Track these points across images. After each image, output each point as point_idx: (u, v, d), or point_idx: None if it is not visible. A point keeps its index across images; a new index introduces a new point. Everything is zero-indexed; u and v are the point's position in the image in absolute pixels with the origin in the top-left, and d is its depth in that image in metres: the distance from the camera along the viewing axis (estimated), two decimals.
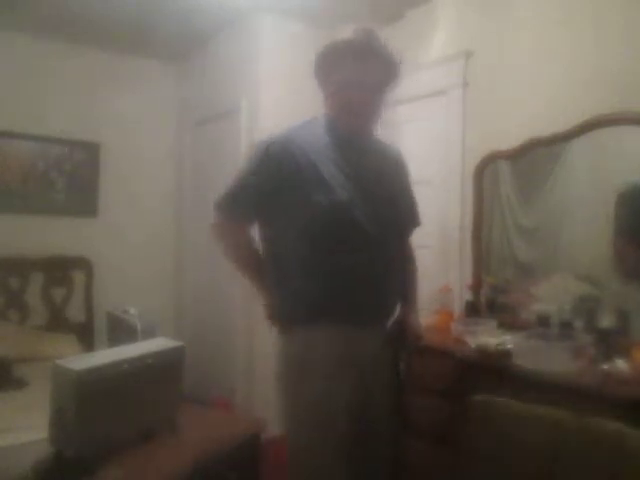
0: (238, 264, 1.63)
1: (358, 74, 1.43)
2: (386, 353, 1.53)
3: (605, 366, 1.73)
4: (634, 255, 2.10)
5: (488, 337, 2.09)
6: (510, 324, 2.27)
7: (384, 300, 1.51)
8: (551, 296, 2.27)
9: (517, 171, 2.48)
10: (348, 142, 1.48)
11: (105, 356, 1.51)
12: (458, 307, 2.59)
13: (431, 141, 2.87)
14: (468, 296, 2.56)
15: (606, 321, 1.96)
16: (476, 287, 2.56)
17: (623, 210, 2.12)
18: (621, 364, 1.72)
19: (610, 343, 1.86)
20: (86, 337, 3.40)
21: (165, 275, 3.99)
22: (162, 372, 1.61)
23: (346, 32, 1.48)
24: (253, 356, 3.14)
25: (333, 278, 1.41)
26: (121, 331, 3.10)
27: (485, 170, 2.57)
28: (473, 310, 2.50)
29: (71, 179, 3.61)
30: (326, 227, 1.39)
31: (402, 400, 1.60)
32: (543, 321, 2.15)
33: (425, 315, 2.62)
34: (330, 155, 1.44)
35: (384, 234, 1.46)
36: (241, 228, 1.55)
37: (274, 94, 3.14)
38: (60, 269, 3.49)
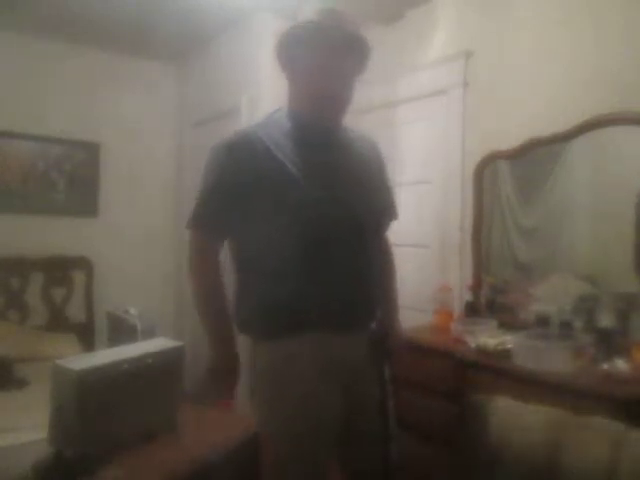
0: (202, 292, 1.49)
1: (329, 61, 1.32)
2: (369, 358, 1.45)
3: (605, 366, 1.73)
4: None
5: (488, 337, 2.09)
6: (510, 324, 2.27)
7: (365, 302, 1.40)
8: (551, 296, 2.27)
9: (517, 171, 2.48)
10: (316, 135, 1.38)
11: (105, 356, 1.51)
12: (458, 307, 2.59)
13: (431, 141, 2.87)
14: (468, 296, 2.56)
15: (606, 321, 1.96)
16: (476, 287, 2.56)
17: None
18: (621, 364, 1.72)
19: (610, 343, 1.86)
20: (86, 337, 3.40)
21: (165, 275, 3.99)
22: (162, 372, 1.61)
23: (307, 13, 1.34)
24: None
25: (309, 283, 1.31)
26: (121, 331, 3.10)
27: (485, 170, 2.57)
28: (473, 310, 2.50)
29: (71, 179, 3.61)
30: (298, 228, 1.29)
31: (388, 402, 1.52)
32: (543, 321, 2.15)
33: (425, 315, 2.64)
34: (297, 151, 1.33)
35: (360, 231, 1.36)
36: (212, 247, 1.43)
37: (274, 94, 3.13)
38: (60, 269, 3.49)
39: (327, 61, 1.33)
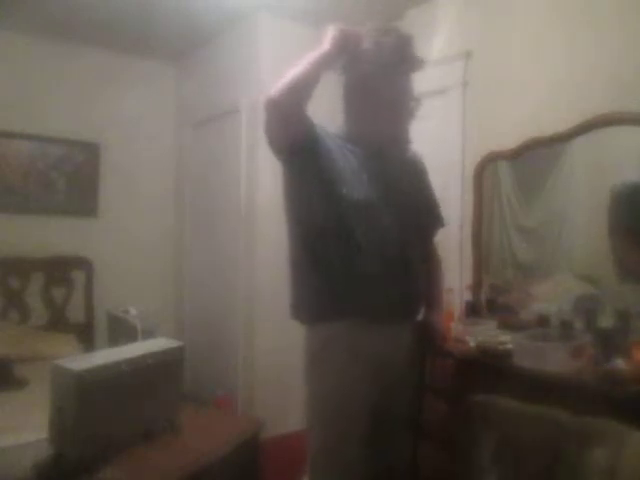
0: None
1: (397, 94, 1.39)
2: (411, 354, 1.52)
3: (605, 366, 1.73)
4: (633, 256, 2.10)
5: (488, 337, 2.09)
6: (510, 324, 2.26)
7: (404, 297, 1.48)
8: (551, 296, 2.27)
9: (517, 171, 2.48)
10: (366, 152, 1.47)
11: (105, 356, 1.52)
12: (458, 307, 2.58)
13: (431, 141, 2.87)
14: (468, 296, 2.56)
15: (606, 321, 1.96)
16: (476, 287, 2.56)
17: (620, 210, 2.11)
18: (621, 364, 1.72)
19: (610, 343, 1.86)
20: (86, 337, 3.40)
21: (165, 275, 3.99)
22: (162, 372, 1.61)
23: (368, 31, 1.39)
24: (253, 356, 3.14)
25: (352, 276, 1.40)
26: (121, 331, 3.10)
27: (485, 170, 2.57)
28: (473, 310, 2.50)
29: (71, 179, 3.60)
30: (347, 225, 1.38)
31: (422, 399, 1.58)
32: (543, 321, 2.15)
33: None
34: (350, 154, 1.43)
35: (404, 234, 1.46)
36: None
37: None
38: (60, 269, 3.49)
39: (397, 95, 1.39)
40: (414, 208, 1.52)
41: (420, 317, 1.60)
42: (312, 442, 1.44)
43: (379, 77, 1.37)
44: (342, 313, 1.40)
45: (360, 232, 1.39)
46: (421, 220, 1.56)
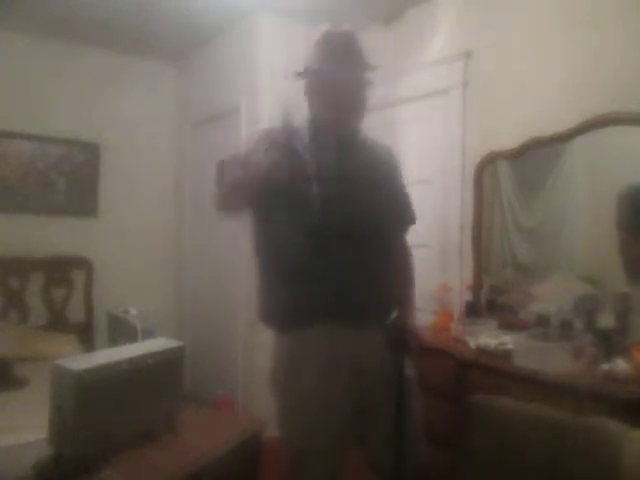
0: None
1: (339, 74, 1.45)
2: (386, 356, 1.49)
3: (605, 366, 1.73)
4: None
5: (488, 337, 2.09)
6: (510, 324, 2.27)
7: (374, 299, 1.47)
8: (551, 296, 2.27)
9: (517, 171, 2.48)
10: (328, 140, 1.47)
11: (105, 356, 1.51)
12: (458, 307, 2.59)
13: (431, 141, 2.87)
14: (468, 296, 2.56)
15: (606, 321, 1.96)
16: (476, 287, 2.56)
17: (628, 211, 2.09)
18: (621, 364, 1.72)
19: (610, 343, 1.86)
20: (86, 337, 3.40)
21: (165, 275, 3.99)
22: (162, 372, 1.61)
23: (322, 30, 1.53)
24: (253, 356, 3.13)
25: (317, 279, 1.40)
26: (121, 331, 3.10)
27: (485, 170, 2.57)
28: (473, 310, 2.50)
29: (71, 179, 3.61)
30: (307, 226, 1.39)
31: (409, 401, 1.51)
32: (543, 321, 2.15)
33: (425, 315, 2.64)
34: (311, 153, 1.40)
35: (365, 233, 1.44)
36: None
37: (274, 94, 3.14)
38: (60, 269, 3.49)
39: (335, 78, 1.46)
40: (375, 204, 1.48)
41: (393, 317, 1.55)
42: (287, 448, 1.43)
43: (324, 76, 1.47)
44: (311, 319, 1.41)
45: (316, 235, 1.38)
46: (384, 217, 1.51)
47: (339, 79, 1.45)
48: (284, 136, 1.25)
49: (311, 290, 1.40)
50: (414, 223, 1.67)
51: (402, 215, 1.63)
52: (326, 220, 1.38)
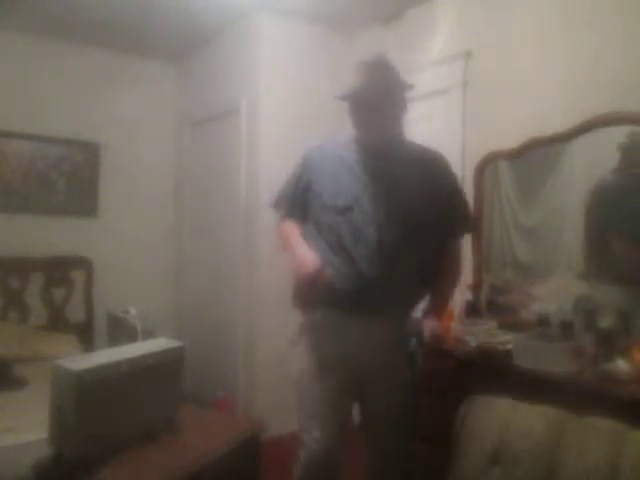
0: (282, 235, 1.77)
1: (360, 92, 1.60)
2: (393, 347, 1.62)
3: (605, 366, 1.73)
4: (611, 254, 2.14)
5: (488, 337, 2.09)
6: (510, 324, 2.27)
7: (388, 293, 1.58)
8: (551, 296, 2.27)
9: (517, 171, 2.48)
10: (367, 152, 1.67)
11: (105, 356, 1.51)
12: (458, 307, 2.58)
13: (431, 141, 2.86)
14: (468, 296, 2.56)
15: (606, 321, 1.96)
16: (476, 287, 2.56)
17: (597, 208, 2.18)
18: (621, 364, 1.72)
19: (610, 343, 1.86)
20: (86, 337, 3.40)
21: (165, 275, 3.99)
22: (162, 372, 1.61)
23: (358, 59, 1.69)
24: (253, 356, 3.14)
25: (337, 269, 1.58)
26: (121, 331, 3.10)
27: (485, 170, 2.57)
28: (473, 310, 2.50)
29: (71, 179, 3.61)
30: (333, 224, 1.61)
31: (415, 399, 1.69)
32: (543, 321, 2.15)
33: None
34: (349, 163, 1.65)
35: (392, 235, 1.58)
36: (285, 219, 1.77)
37: (274, 94, 3.14)
38: (60, 269, 3.49)
39: (361, 94, 1.62)
40: (413, 210, 1.60)
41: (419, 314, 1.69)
42: (295, 388, 1.72)
43: (360, 100, 1.62)
44: (322, 303, 1.62)
45: (339, 232, 1.60)
46: (420, 220, 1.61)
47: (367, 102, 1.60)
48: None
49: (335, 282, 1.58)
50: (467, 230, 1.83)
51: (454, 219, 1.73)
52: (349, 219, 1.59)
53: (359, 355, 1.61)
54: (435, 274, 1.68)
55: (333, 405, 1.65)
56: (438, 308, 1.71)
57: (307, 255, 1.59)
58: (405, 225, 1.59)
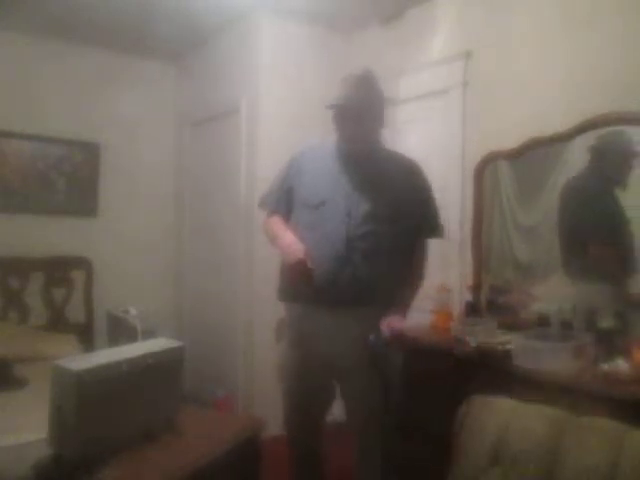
0: (267, 229, 1.94)
1: (343, 103, 1.73)
2: (357, 337, 1.72)
3: (605, 366, 1.73)
4: (581, 255, 2.21)
5: (488, 337, 2.09)
6: (510, 324, 2.27)
7: (348, 287, 1.73)
8: (551, 296, 2.27)
9: (517, 171, 2.48)
10: (346, 158, 1.82)
11: (105, 356, 1.51)
12: (458, 307, 2.59)
13: (431, 141, 2.87)
14: (468, 296, 2.56)
15: (606, 321, 1.96)
16: (476, 287, 2.56)
17: (566, 210, 2.25)
18: (621, 364, 1.72)
19: (610, 343, 1.86)
20: (86, 337, 3.40)
21: (165, 275, 3.99)
22: (162, 372, 1.61)
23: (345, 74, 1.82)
24: (253, 356, 3.14)
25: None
26: (121, 331, 3.10)
27: (485, 170, 2.57)
28: (473, 310, 2.50)
29: (71, 179, 3.61)
30: (306, 222, 1.79)
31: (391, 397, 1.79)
32: (543, 321, 2.15)
33: (425, 315, 2.64)
34: (328, 167, 1.83)
35: (360, 232, 1.73)
36: (271, 217, 1.94)
37: (274, 94, 3.14)
38: (60, 269, 3.49)
39: (338, 105, 1.77)
40: (384, 207, 1.75)
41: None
42: (284, 380, 1.96)
43: (342, 110, 1.76)
44: (296, 297, 1.82)
45: (313, 227, 1.77)
46: (394, 219, 1.76)
47: (349, 113, 1.74)
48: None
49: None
50: (435, 234, 1.93)
51: (420, 223, 1.86)
52: (319, 217, 1.77)
53: (329, 348, 1.77)
54: (403, 274, 1.82)
55: (312, 397, 1.89)
56: (399, 306, 1.80)
57: (293, 243, 1.73)
58: (374, 223, 1.74)
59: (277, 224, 1.87)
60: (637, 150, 2.04)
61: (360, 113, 1.74)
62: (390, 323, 1.72)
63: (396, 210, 1.77)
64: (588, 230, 2.22)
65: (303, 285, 1.75)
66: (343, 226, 1.73)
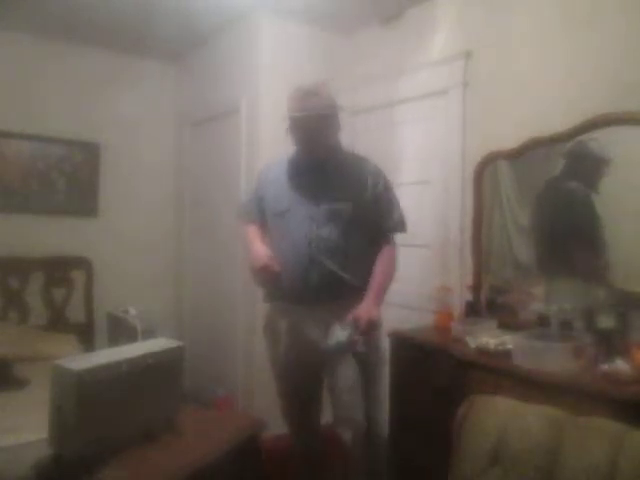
0: (246, 236, 2.10)
1: (295, 116, 1.88)
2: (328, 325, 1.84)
3: (605, 366, 1.73)
4: (555, 254, 2.26)
5: (488, 337, 2.09)
6: (510, 324, 2.27)
7: (320, 285, 1.88)
8: (551, 296, 2.27)
9: (517, 171, 2.48)
10: (304, 165, 1.99)
11: (105, 356, 1.51)
12: (458, 307, 2.59)
13: (431, 141, 2.87)
14: (468, 296, 2.56)
15: (606, 321, 1.96)
16: (476, 287, 2.56)
17: (542, 210, 2.31)
18: (621, 364, 1.72)
19: (610, 343, 1.86)
20: (86, 337, 3.40)
21: (165, 275, 3.99)
22: (162, 372, 1.61)
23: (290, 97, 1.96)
24: (253, 356, 3.13)
25: (281, 267, 1.91)
26: (121, 331, 3.11)
27: (485, 170, 2.57)
28: (473, 310, 2.50)
29: (71, 179, 3.61)
30: (275, 228, 2.01)
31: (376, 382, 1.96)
32: (543, 321, 2.15)
33: (425, 315, 2.64)
34: (290, 175, 2.01)
35: (322, 233, 1.89)
36: (247, 226, 2.13)
37: (274, 94, 3.13)
38: (60, 269, 3.49)
39: (296, 116, 1.90)
40: (343, 208, 1.90)
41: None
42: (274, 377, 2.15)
43: (294, 122, 1.91)
44: (274, 296, 2.01)
45: (280, 232, 1.97)
46: (354, 218, 1.90)
47: (301, 125, 1.89)
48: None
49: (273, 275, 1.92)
50: (396, 230, 2.02)
51: (380, 220, 1.97)
52: (285, 223, 1.96)
53: (309, 345, 1.90)
54: (370, 267, 1.93)
55: (302, 393, 2.05)
56: (370, 296, 1.90)
57: (259, 250, 1.94)
58: (336, 223, 1.89)
59: (251, 233, 2.06)
60: (608, 157, 2.07)
61: (311, 123, 1.87)
62: (357, 313, 1.82)
63: (356, 208, 1.91)
64: (560, 234, 2.27)
65: (271, 287, 1.96)
66: (307, 228, 1.89)
